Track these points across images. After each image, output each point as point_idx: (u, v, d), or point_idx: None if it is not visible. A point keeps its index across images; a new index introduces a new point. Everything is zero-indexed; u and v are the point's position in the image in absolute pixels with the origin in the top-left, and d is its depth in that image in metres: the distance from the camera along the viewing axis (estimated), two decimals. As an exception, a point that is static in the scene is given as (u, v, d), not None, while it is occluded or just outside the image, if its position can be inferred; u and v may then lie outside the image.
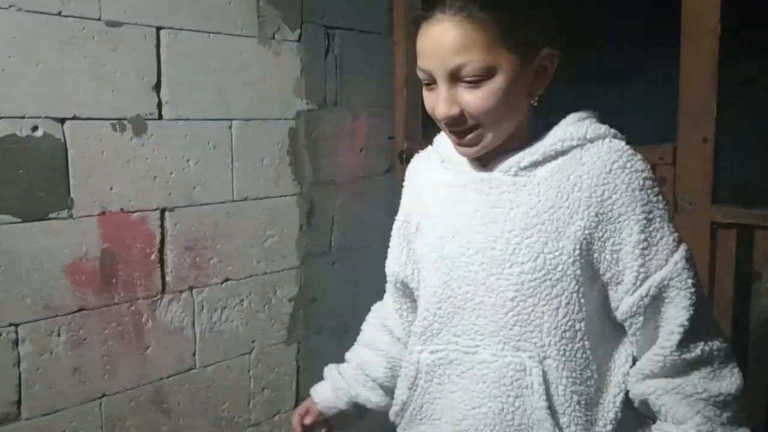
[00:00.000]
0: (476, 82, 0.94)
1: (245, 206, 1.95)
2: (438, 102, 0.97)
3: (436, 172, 1.12)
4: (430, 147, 1.17)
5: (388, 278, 1.25)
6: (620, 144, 0.98)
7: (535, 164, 1.00)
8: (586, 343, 0.98)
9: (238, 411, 1.98)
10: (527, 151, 1.00)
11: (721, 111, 1.62)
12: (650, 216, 0.96)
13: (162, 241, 1.77)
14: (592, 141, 0.99)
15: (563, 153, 0.99)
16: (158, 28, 1.71)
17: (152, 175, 1.73)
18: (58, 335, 1.59)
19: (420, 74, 0.99)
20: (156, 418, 1.79)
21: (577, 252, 0.96)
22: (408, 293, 1.21)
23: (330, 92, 2.15)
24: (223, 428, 1.95)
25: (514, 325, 0.98)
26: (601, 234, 0.96)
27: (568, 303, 0.96)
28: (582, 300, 0.97)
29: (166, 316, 1.79)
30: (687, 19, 1.65)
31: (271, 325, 2.04)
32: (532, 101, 1.01)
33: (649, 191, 0.96)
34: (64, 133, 1.57)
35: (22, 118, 1.50)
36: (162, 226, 1.76)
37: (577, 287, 0.96)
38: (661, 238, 0.96)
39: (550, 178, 0.98)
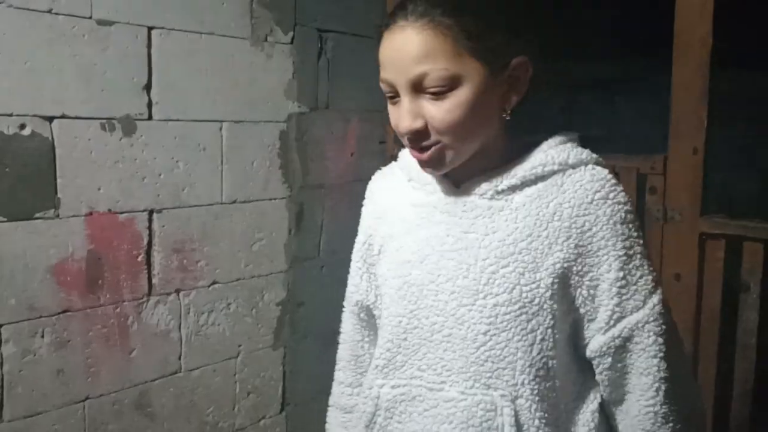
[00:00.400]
0: (441, 93, 0.87)
1: (234, 209, 1.93)
2: (400, 116, 0.90)
3: (402, 191, 1.04)
4: (393, 164, 1.10)
5: (349, 310, 1.15)
6: (603, 172, 0.93)
7: (513, 188, 0.93)
8: (556, 381, 0.92)
9: (223, 416, 1.97)
10: (505, 174, 0.94)
11: (712, 122, 1.63)
12: (630, 252, 0.91)
13: (149, 243, 1.75)
14: (573, 167, 0.93)
15: (543, 178, 0.93)
16: (149, 28, 1.70)
17: (141, 175, 1.71)
18: (42, 337, 1.57)
19: (383, 86, 0.92)
20: (140, 422, 1.77)
21: (556, 285, 0.90)
22: (372, 324, 1.12)
23: (321, 95, 2.14)
24: (207, 433, 1.93)
25: (485, 361, 0.91)
26: (579, 268, 0.91)
27: (542, 339, 0.90)
28: (556, 335, 0.91)
29: (152, 319, 1.77)
30: (679, 31, 1.66)
31: (257, 329, 2.03)
32: (505, 115, 0.93)
33: (630, 225, 0.91)
34: (52, 132, 1.55)
35: (10, 115, 1.48)
36: (150, 228, 1.75)
37: (552, 322, 0.91)
38: (641, 277, 0.92)
39: (529, 204, 0.92)
